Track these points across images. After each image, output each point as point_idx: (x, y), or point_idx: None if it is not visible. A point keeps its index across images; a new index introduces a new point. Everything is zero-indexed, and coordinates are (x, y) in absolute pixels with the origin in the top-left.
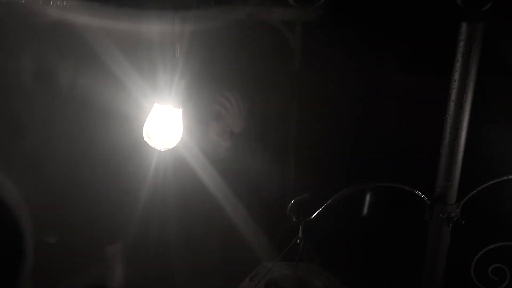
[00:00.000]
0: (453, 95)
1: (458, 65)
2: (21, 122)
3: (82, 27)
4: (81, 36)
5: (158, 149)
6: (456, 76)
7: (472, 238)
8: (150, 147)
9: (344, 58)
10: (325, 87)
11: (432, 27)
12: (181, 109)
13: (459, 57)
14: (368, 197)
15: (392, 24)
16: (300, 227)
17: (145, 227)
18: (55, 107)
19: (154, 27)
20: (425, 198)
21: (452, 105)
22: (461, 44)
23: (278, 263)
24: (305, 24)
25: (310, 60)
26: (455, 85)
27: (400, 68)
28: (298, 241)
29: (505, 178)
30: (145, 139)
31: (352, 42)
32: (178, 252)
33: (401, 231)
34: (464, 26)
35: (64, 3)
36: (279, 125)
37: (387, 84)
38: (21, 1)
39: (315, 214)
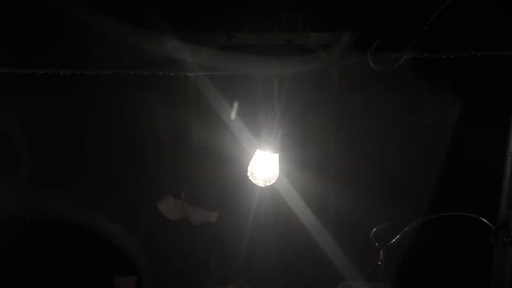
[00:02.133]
0: None
1: None
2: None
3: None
4: (204, 97)
5: (260, 185)
6: None
7: None
8: (253, 184)
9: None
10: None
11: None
12: (278, 154)
13: None
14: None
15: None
16: (381, 251)
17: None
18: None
19: (258, 87)
20: (490, 225)
21: None
22: None
23: (359, 283)
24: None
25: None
26: None
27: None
28: (379, 263)
29: None
30: (249, 177)
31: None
32: (271, 272)
33: (469, 255)
34: None
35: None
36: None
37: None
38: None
39: (394, 239)
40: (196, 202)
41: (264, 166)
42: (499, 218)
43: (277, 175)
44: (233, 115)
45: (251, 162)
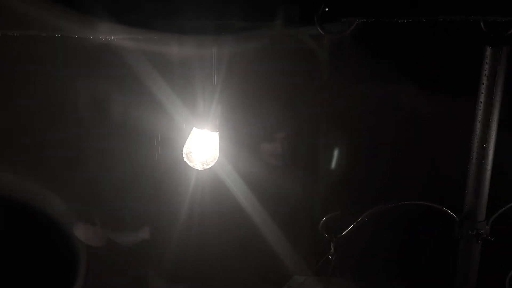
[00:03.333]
0: (480, 116)
1: (483, 87)
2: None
3: (129, 56)
4: (128, 65)
5: (197, 168)
6: (482, 98)
7: (504, 255)
8: (189, 167)
9: (371, 71)
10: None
11: (457, 50)
12: (217, 133)
13: (484, 80)
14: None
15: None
16: (332, 243)
17: (184, 242)
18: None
19: (194, 53)
20: (454, 215)
21: (478, 126)
22: (486, 67)
23: (310, 278)
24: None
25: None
26: (481, 106)
27: (426, 86)
28: (329, 257)
29: None
30: (184, 159)
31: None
32: (214, 267)
33: (432, 248)
34: (488, 50)
35: (112, 37)
36: (309, 139)
37: (414, 100)
38: (73, 36)
39: (346, 231)
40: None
41: (202, 146)
42: (464, 208)
43: (216, 157)
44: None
45: (186, 142)
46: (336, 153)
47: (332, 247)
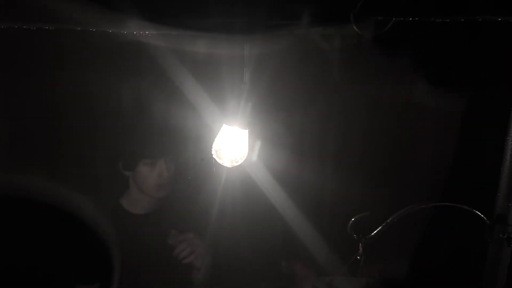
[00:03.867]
0: None
1: None
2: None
3: (158, 52)
4: (157, 62)
5: (226, 166)
6: None
7: None
8: (219, 164)
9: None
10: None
11: (492, 50)
12: (247, 130)
13: None
14: (428, 216)
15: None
16: (360, 244)
17: (216, 239)
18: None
19: (225, 52)
20: (485, 218)
21: None
22: None
23: (337, 278)
24: (344, 37)
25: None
26: None
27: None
28: (358, 257)
29: None
30: (214, 156)
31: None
32: (246, 265)
33: (460, 251)
34: None
35: (146, 33)
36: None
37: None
38: (105, 31)
39: (375, 231)
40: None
41: (231, 143)
42: (495, 211)
43: (246, 154)
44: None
45: (216, 139)
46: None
47: (360, 247)
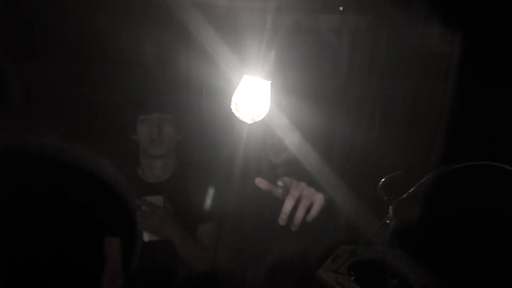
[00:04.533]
0: None
1: None
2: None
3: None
4: (175, 13)
5: (246, 121)
6: None
7: None
8: (239, 119)
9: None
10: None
11: None
12: (269, 81)
13: None
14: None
15: None
16: (391, 207)
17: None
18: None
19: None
20: None
21: None
22: None
23: (359, 248)
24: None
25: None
26: None
27: None
28: (387, 221)
29: None
30: (233, 111)
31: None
32: (270, 224)
33: (498, 215)
34: None
35: None
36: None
37: None
38: None
39: (407, 193)
40: None
41: (252, 96)
42: None
43: (268, 108)
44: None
45: (235, 92)
46: None
47: (390, 210)
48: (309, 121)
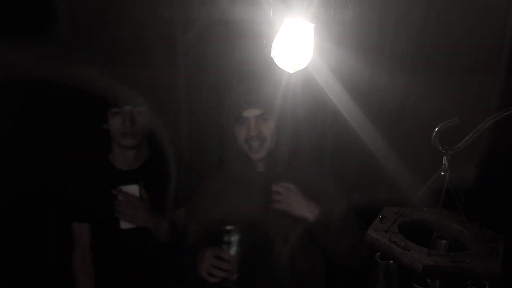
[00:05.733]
0: None
1: None
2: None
3: None
4: None
5: (287, 70)
6: None
7: None
8: (279, 68)
9: None
10: None
11: None
12: (313, 25)
13: None
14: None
15: None
16: (445, 157)
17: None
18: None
19: None
20: None
21: None
22: None
23: (407, 210)
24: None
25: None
26: None
27: None
28: (442, 173)
29: None
30: (273, 58)
31: None
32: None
33: None
34: None
35: None
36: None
37: None
38: None
39: (463, 141)
40: None
41: (294, 42)
42: None
43: (311, 55)
44: None
45: (276, 38)
46: None
47: (445, 161)
48: (354, 71)
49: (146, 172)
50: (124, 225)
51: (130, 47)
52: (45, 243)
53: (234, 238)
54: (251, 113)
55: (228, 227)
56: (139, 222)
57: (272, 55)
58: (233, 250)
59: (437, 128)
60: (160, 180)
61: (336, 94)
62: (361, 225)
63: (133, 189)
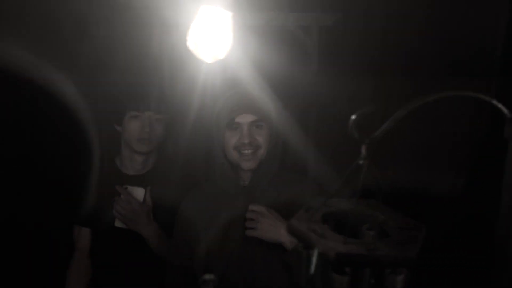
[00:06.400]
0: None
1: None
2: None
3: None
4: None
5: (205, 60)
6: None
7: None
8: (196, 57)
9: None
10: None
11: None
12: (231, 13)
13: None
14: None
15: None
16: (363, 146)
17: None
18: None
19: None
20: (506, 111)
21: None
22: None
23: (333, 199)
24: (322, 29)
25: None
26: None
27: None
28: (360, 162)
29: None
30: (190, 48)
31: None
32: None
33: (479, 149)
34: None
35: None
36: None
37: None
38: None
39: (381, 129)
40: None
41: (212, 30)
42: None
43: (230, 45)
44: None
45: (192, 26)
46: None
47: (364, 150)
48: (274, 62)
49: (152, 179)
50: (119, 223)
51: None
52: (45, 246)
53: None
54: (244, 118)
55: (207, 277)
56: (133, 226)
57: (188, 44)
58: None
59: (352, 117)
60: (164, 188)
61: (253, 83)
62: None
63: (138, 191)
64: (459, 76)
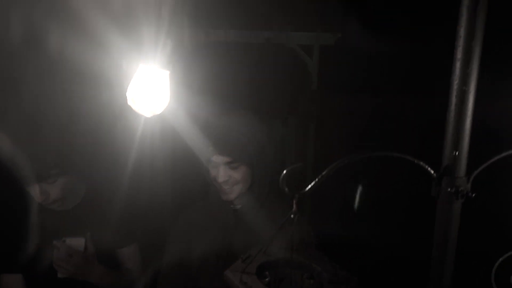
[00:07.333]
0: (459, 53)
1: (463, 20)
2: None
3: None
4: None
5: (144, 115)
6: (461, 32)
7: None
8: (136, 112)
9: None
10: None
11: None
12: (168, 72)
13: (463, 11)
14: (367, 168)
15: None
16: (294, 200)
17: (135, 193)
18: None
19: None
20: (431, 171)
21: (458, 65)
22: None
23: (273, 246)
24: (322, 48)
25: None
26: (460, 42)
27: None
28: (292, 216)
29: None
30: (129, 103)
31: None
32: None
33: (409, 206)
34: None
35: None
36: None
37: None
38: None
39: (309, 186)
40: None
41: (150, 87)
42: (442, 163)
43: (167, 101)
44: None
45: (131, 83)
46: None
47: (294, 205)
48: (210, 117)
49: (82, 211)
50: (61, 274)
51: None
52: None
53: None
54: (219, 159)
55: None
56: (79, 277)
57: (128, 99)
58: None
59: (283, 172)
60: (99, 218)
61: (190, 136)
62: None
63: (77, 241)
64: None
